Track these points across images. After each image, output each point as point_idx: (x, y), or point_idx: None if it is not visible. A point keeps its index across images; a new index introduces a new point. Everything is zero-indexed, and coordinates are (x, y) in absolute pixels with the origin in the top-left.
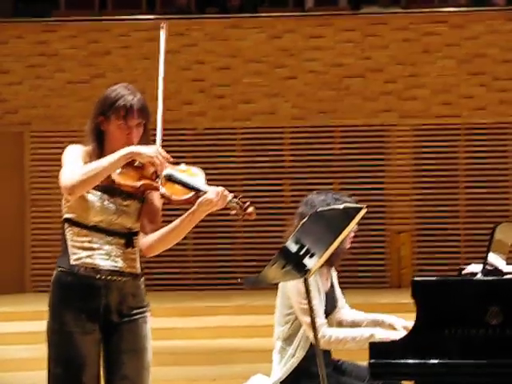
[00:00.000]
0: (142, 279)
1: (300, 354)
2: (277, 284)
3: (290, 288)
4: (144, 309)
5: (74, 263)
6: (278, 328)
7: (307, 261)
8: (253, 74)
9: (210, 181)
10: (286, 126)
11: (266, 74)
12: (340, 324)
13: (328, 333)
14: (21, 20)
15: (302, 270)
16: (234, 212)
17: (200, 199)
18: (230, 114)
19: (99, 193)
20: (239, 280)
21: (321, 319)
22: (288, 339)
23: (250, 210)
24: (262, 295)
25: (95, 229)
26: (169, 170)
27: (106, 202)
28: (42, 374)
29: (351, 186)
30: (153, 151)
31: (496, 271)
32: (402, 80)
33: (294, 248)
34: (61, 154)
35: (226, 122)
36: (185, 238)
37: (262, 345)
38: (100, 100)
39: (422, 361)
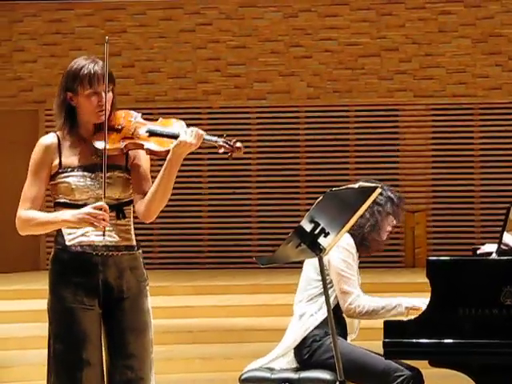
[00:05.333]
0: (140, 251)
1: (319, 316)
2: (291, 263)
3: (332, 255)
4: (144, 283)
5: (69, 243)
6: (302, 293)
7: (322, 240)
8: (268, 53)
9: (224, 159)
10: (301, 105)
11: (282, 53)
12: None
13: (362, 304)
14: None
15: (317, 249)
16: (222, 150)
17: (173, 143)
18: (245, 92)
19: (80, 172)
20: (254, 259)
21: (357, 289)
22: (311, 300)
23: (238, 144)
24: (276, 274)
25: (85, 206)
26: (148, 125)
27: (88, 180)
28: None
29: (366, 166)
30: (80, 217)
31: (511, 251)
32: (417, 59)
33: (308, 227)
34: None
35: (241, 101)
36: (199, 217)
37: (276, 324)
38: (63, 76)
39: (436, 340)
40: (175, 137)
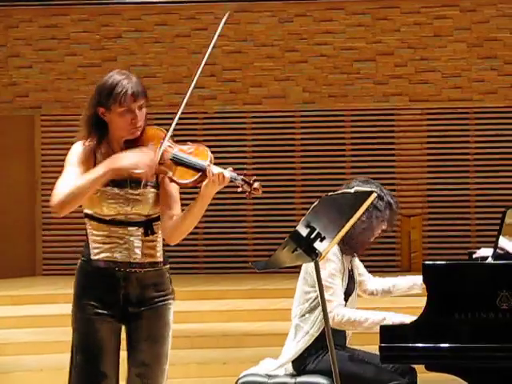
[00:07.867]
0: (167, 266)
1: (314, 332)
2: (287, 267)
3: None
4: (167, 296)
5: (94, 257)
6: (296, 307)
7: (318, 244)
8: (264, 57)
9: (220, 165)
10: (296, 110)
11: (277, 57)
12: (372, 294)
13: (342, 312)
14: (31, 3)
15: (313, 254)
16: (240, 190)
17: (204, 182)
18: (241, 97)
19: (109, 187)
20: (250, 264)
21: (339, 299)
22: (305, 316)
23: (256, 185)
24: (273, 279)
25: (113, 222)
26: (175, 151)
27: (117, 195)
28: (51, 358)
29: (362, 170)
30: (134, 161)
31: (507, 255)
32: (412, 64)
33: (304, 231)
34: (71, 137)
35: (237, 106)
36: None
37: (272, 329)
38: (96, 90)
39: (433, 345)
40: (199, 169)
